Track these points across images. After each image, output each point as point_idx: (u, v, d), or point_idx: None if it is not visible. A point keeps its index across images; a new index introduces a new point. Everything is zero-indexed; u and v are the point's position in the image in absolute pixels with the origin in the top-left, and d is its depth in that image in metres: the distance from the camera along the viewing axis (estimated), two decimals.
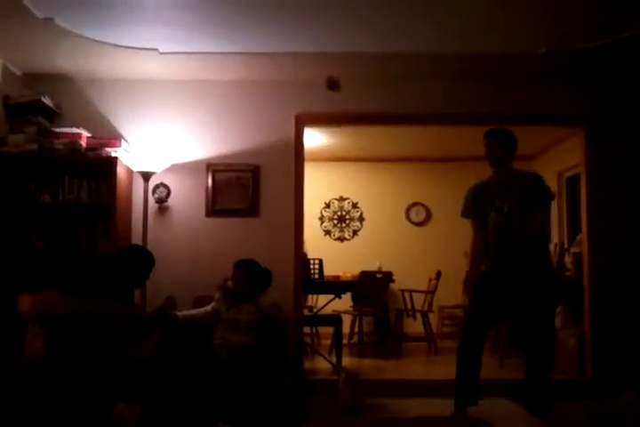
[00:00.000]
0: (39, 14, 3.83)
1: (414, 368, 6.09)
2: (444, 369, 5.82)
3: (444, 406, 4.34)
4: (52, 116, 4.88)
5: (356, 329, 6.87)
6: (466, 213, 4.24)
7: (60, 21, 3.96)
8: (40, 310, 3.50)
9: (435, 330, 7.33)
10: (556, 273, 6.08)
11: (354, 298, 6.97)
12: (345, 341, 6.59)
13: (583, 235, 5.26)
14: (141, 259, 3.93)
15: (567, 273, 6.09)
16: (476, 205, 4.17)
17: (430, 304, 7.04)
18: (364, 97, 5.13)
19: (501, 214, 4.00)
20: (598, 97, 5.11)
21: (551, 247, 7.54)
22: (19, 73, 4.88)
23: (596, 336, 4.99)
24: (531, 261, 3.93)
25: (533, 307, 3.93)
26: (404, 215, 8.55)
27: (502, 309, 4.07)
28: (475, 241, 4.20)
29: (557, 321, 5.60)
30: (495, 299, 4.00)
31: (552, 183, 7.56)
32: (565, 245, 6.71)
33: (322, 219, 8.72)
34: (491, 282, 4.02)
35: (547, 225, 4.02)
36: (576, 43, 4.38)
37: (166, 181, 5.02)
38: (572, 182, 7.03)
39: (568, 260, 6.17)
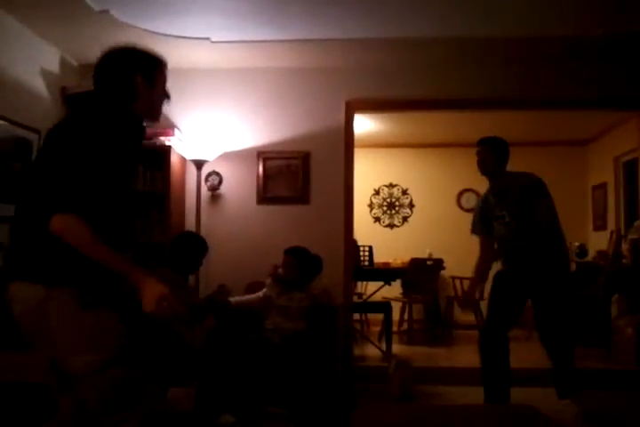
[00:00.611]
0: (95, 6, 3.92)
1: (465, 356, 6.04)
2: None
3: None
4: None
5: (406, 316, 6.86)
6: (474, 229, 4.20)
7: (116, 13, 4.04)
8: None
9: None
10: (609, 263, 5.97)
11: (404, 285, 6.96)
12: (394, 328, 6.59)
13: None
14: (195, 245, 4.00)
15: (624, 260, 5.96)
16: (482, 219, 4.13)
17: (481, 292, 6.96)
18: (413, 82, 5.09)
19: (502, 222, 3.96)
20: None
21: (593, 237, 7.43)
22: (75, 64, 4.99)
23: None
24: (543, 258, 3.86)
25: (549, 299, 3.87)
26: (454, 202, 8.46)
27: (520, 304, 4.03)
28: (480, 259, 4.19)
29: (613, 310, 5.50)
30: (513, 296, 3.97)
31: (608, 168, 7.40)
32: (622, 232, 6.55)
33: (371, 206, 8.70)
34: (507, 279, 3.99)
35: (554, 221, 3.89)
36: (633, 24, 4.24)
37: (218, 169, 5.09)
38: (629, 167, 6.84)
39: (625, 247, 6.03)
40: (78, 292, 2.00)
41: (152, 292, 1.95)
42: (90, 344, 2.00)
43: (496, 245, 4.10)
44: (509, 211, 3.91)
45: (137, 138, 2.22)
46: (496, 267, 4.16)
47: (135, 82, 2.19)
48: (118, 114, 2.14)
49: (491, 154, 4.02)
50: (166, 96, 2.34)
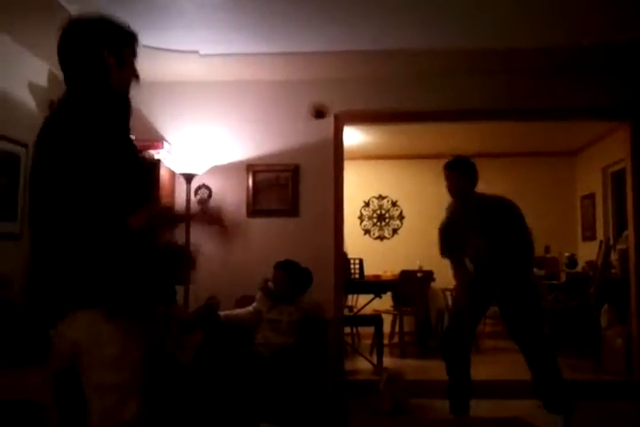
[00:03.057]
0: None
1: None
2: (486, 369, 5.79)
3: (486, 407, 4.32)
4: None
5: (397, 329, 6.83)
6: (443, 252, 4.20)
7: None
8: None
9: (476, 329, 7.25)
10: (598, 272, 5.99)
11: (394, 297, 6.94)
12: (386, 341, 6.57)
13: (629, 231, 5.15)
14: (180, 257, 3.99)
15: (613, 270, 5.97)
16: (451, 244, 4.14)
17: None
18: (401, 94, 5.10)
19: (474, 244, 3.97)
20: None
21: (582, 247, 7.45)
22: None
23: None
24: (508, 268, 3.88)
25: (515, 308, 3.86)
26: (444, 213, 8.44)
27: (482, 312, 4.12)
28: (459, 275, 4.13)
29: (603, 320, 5.50)
30: (477, 304, 3.99)
31: (596, 179, 7.44)
32: (611, 242, 6.57)
33: (361, 218, 8.70)
34: (472, 288, 3.99)
35: (528, 241, 3.93)
36: (619, 34, 4.28)
37: (208, 183, 5.07)
38: (617, 177, 6.88)
39: (614, 257, 6.05)
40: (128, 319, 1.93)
41: None
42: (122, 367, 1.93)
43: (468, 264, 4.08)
44: (481, 233, 3.90)
45: (126, 115, 2.08)
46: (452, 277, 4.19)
47: (104, 59, 1.98)
48: (99, 98, 1.97)
49: (462, 178, 3.99)
50: (136, 76, 2.15)
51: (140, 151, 2.00)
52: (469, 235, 4.00)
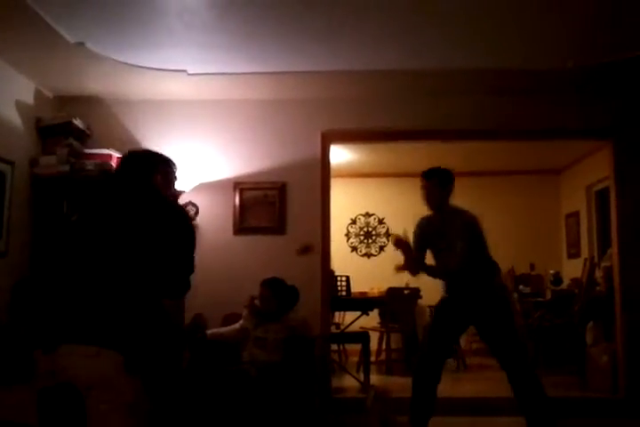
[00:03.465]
0: (71, 39, 3.92)
1: (443, 386, 5.97)
2: (473, 386, 5.80)
3: (474, 424, 4.32)
4: (83, 137, 4.97)
5: (384, 346, 6.83)
6: (415, 249, 4.16)
7: (91, 45, 4.05)
8: None
9: (463, 346, 7.27)
10: (583, 290, 6.03)
11: (381, 315, 6.95)
12: (373, 358, 6.56)
13: (613, 248, 5.20)
14: None
15: (597, 288, 6.01)
16: (422, 244, 4.14)
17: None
18: (388, 114, 5.15)
19: (444, 254, 3.97)
20: (626, 110, 5.06)
21: (567, 265, 7.49)
22: (50, 96, 4.98)
23: (628, 353, 4.90)
24: (480, 286, 3.88)
25: (492, 326, 3.85)
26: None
27: (458, 333, 4.17)
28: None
29: (588, 338, 5.53)
30: (453, 324, 3.99)
31: (580, 197, 7.52)
32: (596, 260, 6.63)
33: (348, 235, 8.73)
34: (447, 308, 3.99)
35: (487, 255, 3.95)
36: (603, 56, 4.36)
37: (195, 200, 5.07)
38: (601, 196, 6.96)
39: (598, 274, 6.09)
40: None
41: None
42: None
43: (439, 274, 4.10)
44: (452, 244, 3.88)
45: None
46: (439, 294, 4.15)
47: (155, 181, 2.46)
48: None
49: (437, 188, 4.02)
50: (176, 192, 2.65)
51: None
52: (439, 243, 4.00)
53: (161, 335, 2.24)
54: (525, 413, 3.78)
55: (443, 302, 4.05)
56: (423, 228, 4.21)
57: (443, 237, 3.99)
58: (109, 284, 2.19)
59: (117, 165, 2.57)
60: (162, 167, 2.52)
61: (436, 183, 4.02)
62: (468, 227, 3.91)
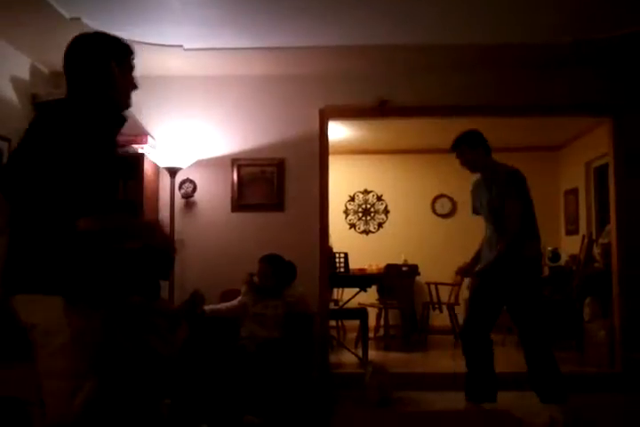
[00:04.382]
0: (67, 14, 3.88)
1: (441, 361, 6.08)
2: None
3: None
4: None
5: (382, 322, 6.87)
6: (474, 210, 4.21)
7: (87, 20, 4.00)
8: None
9: (461, 323, 7.30)
10: (581, 266, 6.05)
11: (379, 291, 6.97)
12: (371, 334, 6.59)
13: (612, 225, 5.20)
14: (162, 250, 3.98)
15: (596, 264, 6.03)
16: (474, 203, 4.17)
17: (456, 297, 7.02)
18: (386, 90, 5.11)
19: (485, 215, 4.00)
20: (626, 86, 5.03)
21: (565, 241, 7.52)
22: (46, 72, 4.94)
23: (625, 328, 4.94)
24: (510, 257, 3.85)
25: (518, 299, 3.87)
26: (429, 207, 8.52)
27: (499, 305, 4.03)
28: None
29: (586, 313, 5.56)
30: (492, 296, 3.96)
31: (580, 174, 7.51)
32: (594, 236, 6.64)
33: (347, 212, 8.72)
34: (485, 280, 3.98)
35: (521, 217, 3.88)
36: (602, 31, 4.32)
37: (192, 177, 5.06)
38: (601, 172, 6.94)
39: (596, 251, 6.11)
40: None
41: None
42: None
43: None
44: (491, 204, 3.89)
45: (118, 127, 2.23)
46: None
47: (111, 69, 2.17)
48: (99, 103, 2.13)
49: (468, 152, 3.98)
50: (134, 85, 2.30)
51: (121, 161, 2.22)
52: (482, 200, 4.01)
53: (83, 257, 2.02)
54: (537, 388, 3.83)
55: (480, 274, 3.99)
56: (474, 190, 4.19)
57: (483, 197, 3.98)
58: (13, 229, 2.07)
59: (66, 52, 2.22)
60: (118, 53, 2.21)
61: (465, 148, 3.99)
62: (511, 179, 3.86)
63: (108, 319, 2.12)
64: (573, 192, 7.82)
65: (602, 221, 6.82)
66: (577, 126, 7.09)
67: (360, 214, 8.71)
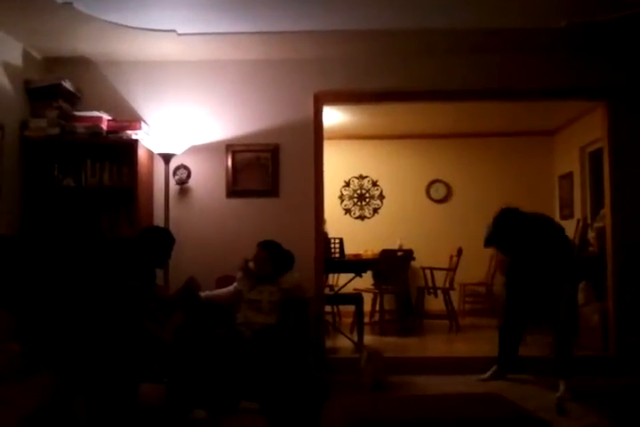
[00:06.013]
0: None
1: (436, 346, 6.12)
2: (466, 347, 5.89)
3: (465, 383, 4.39)
4: (73, 99, 4.91)
5: (378, 307, 6.90)
6: None
7: (79, 5, 3.96)
8: None
9: (456, 307, 7.35)
10: (576, 251, 6.08)
11: (375, 276, 6.99)
12: (366, 319, 6.63)
13: (606, 209, 5.22)
14: (161, 238, 3.98)
15: (590, 248, 6.05)
16: None
17: (451, 281, 7.05)
18: (381, 74, 5.09)
19: None
20: (620, 70, 5.02)
21: (565, 224, 7.55)
22: (39, 57, 4.90)
23: (619, 312, 4.98)
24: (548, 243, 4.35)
25: (554, 283, 4.14)
26: (424, 193, 8.52)
27: (534, 287, 4.48)
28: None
29: (580, 297, 5.59)
30: (526, 279, 4.39)
31: (574, 158, 7.51)
32: (588, 221, 6.66)
33: (342, 197, 8.72)
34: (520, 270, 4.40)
35: None
36: (597, 15, 4.29)
37: (186, 163, 5.04)
38: (595, 157, 6.94)
39: (591, 235, 6.12)
40: None
41: None
42: None
43: None
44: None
45: None
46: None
47: None
48: None
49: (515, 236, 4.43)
50: None
51: None
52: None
53: None
54: (556, 364, 4.32)
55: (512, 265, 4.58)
56: None
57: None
58: None
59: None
60: None
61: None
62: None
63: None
64: (568, 177, 7.83)
65: (596, 205, 6.82)
66: (571, 111, 7.09)
67: (355, 200, 8.71)
